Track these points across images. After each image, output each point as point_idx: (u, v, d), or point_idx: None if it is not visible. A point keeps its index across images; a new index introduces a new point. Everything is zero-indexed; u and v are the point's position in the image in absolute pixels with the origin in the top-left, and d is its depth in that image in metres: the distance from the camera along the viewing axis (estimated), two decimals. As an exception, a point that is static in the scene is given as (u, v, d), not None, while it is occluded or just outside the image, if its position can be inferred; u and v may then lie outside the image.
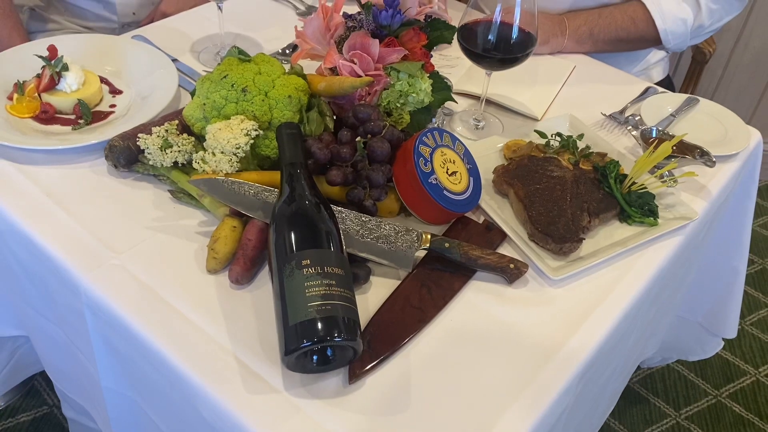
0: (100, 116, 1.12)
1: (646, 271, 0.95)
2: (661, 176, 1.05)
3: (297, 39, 1.07)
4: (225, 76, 0.96)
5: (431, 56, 1.11)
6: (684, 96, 1.27)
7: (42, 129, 1.09)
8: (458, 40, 1.08)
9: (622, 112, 1.25)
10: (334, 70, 1.02)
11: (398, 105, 1.00)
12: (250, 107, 0.95)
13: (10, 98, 1.11)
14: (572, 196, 0.99)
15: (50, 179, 1.01)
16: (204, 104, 0.97)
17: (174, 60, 1.24)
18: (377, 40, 0.98)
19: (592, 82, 1.35)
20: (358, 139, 0.91)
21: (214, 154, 0.92)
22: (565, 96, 1.30)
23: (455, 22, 1.10)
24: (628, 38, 1.40)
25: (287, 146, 0.90)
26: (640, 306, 0.96)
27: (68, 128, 1.09)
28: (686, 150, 1.11)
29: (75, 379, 1.17)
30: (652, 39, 1.40)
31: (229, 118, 0.95)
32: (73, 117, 1.11)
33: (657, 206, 1.02)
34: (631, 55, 1.55)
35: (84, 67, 1.15)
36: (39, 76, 1.12)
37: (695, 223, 1.03)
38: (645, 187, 1.03)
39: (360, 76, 0.98)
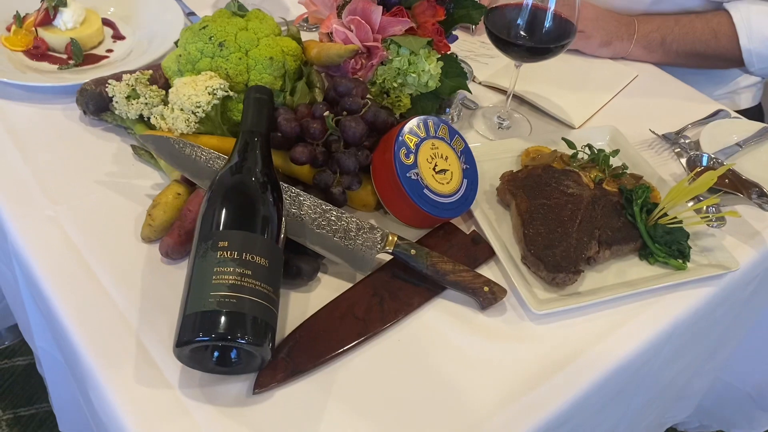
0: (92, 59, 1.04)
1: (657, 323, 0.78)
2: (699, 210, 0.87)
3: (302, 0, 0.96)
4: (204, 27, 0.86)
5: (453, 37, 0.97)
6: (759, 125, 1.07)
7: (31, 65, 1.02)
8: (485, 24, 0.93)
9: (678, 133, 1.06)
10: (330, 36, 0.90)
11: (395, 85, 0.87)
12: (225, 64, 0.84)
13: (9, 29, 1.06)
14: (584, 219, 0.83)
15: (19, 117, 0.94)
16: (180, 56, 0.87)
17: (191, 14, 1.15)
18: (381, 7, 0.85)
19: (653, 95, 1.16)
20: (326, 113, 0.79)
21: (173, 110, 0.82)
22: (618, 107, 1.12)
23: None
24: (705, 53, 1.19)
25: (251, 112, 0.79)
26: (646, 362, 0.79)
27: (55, 67, 1.02)
28: (741, 187, 0.92)
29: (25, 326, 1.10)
30: (732, 58, 1.18)
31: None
32: (64, 56, 1.04)
33: (689, 247, 0.84)
34: (717, 75, 1.33)
35: (88, 6, 1.08)
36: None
37: (736, 275, 0.84)
38: (680, 222, 0.85)
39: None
